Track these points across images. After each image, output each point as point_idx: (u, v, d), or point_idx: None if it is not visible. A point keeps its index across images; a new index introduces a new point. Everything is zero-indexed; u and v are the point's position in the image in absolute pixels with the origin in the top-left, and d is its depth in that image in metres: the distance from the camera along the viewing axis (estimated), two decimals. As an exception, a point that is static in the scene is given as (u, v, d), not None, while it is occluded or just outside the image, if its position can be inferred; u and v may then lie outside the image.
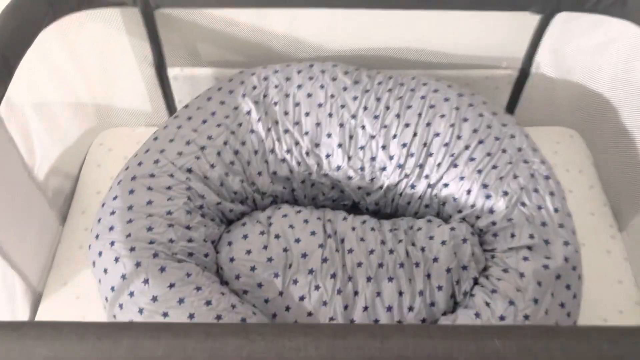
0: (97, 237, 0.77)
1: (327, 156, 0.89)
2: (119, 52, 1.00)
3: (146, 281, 0.72)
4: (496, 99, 1.08)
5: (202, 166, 0.83)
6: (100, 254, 0.76)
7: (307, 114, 0.90)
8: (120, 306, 0.72)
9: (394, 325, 0.49)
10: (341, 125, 0.89)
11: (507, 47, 1.01)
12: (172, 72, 1.04)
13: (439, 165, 0.86)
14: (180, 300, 0.71)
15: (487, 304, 0.74)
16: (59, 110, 1.01)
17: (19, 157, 0.84)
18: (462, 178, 0.84)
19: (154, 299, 0.71)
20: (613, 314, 0.85)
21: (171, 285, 0.72)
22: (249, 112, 0.89)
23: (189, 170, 0.82)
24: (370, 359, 0.48)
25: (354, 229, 0.84)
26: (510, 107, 1.09)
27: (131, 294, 0.72)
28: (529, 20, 0.93)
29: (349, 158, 0.88)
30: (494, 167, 0.84)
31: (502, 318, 0.72)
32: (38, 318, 0.87)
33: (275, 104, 0.90)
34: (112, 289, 0.74)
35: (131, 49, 1.01)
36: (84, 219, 0.99)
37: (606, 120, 1.00)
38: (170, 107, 1.11)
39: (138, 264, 0.73)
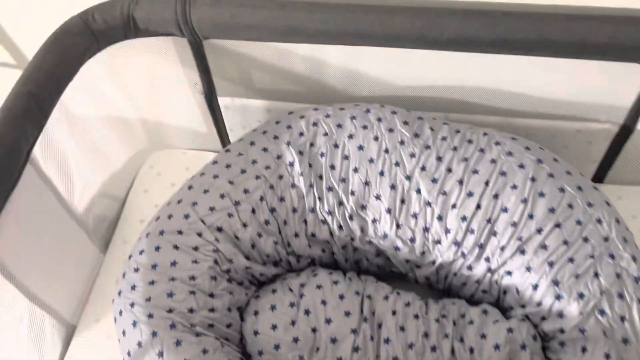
0: (119, 293, 0.74)
1: (374, 221, 0.79)
2: (169, 77, 0.95)
3: (160, 354, 0.67)
4: (589, 155, 0.91)
5: (233, 225, 0.76)
6: (120, 313, 0.72)
7: (355, 170, 0.80)
8: None
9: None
10: (393, 186, 0.78)
11: (607, 98, 0.84)
12: (222, 101, 0.98)
13: (502, 248, 0.73)
14: (193, 380, 0.66)
15: None
16: (104, 135, 0.98)
17: (55, 195, 0.82)
18: (529, 269, 0.71)
19: (167, 374, 0.66)
20: None
21: (185, 362, 0.67)
22: (291, 164, 0.81)
23: (219, 230, 0.75)
24: None
25: (394, 312, 0.74)
26: (606, 165, 0.92)
27: (145, 364, 0.68)
28: (638, 71, 0.76)
29: (398, 226, 0.78)
30: (571, 260, 0.70)
31: None
32: (68, 356, 0.86)
33: (322, 155, 0.81)
34: (129, 354, 0.70)
35: (182, 74, 0.95)
36: (125, 249, 0.97)
37: None
38: (222, 133, 1.06)
39: (154, 334, 0.68)
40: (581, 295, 0.68)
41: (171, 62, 0.92)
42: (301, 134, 0.83)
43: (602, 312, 0.67)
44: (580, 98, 0.85)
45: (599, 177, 0.96)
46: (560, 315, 0.69)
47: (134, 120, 1.04)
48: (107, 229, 1.00)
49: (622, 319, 0.66)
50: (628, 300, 0.67)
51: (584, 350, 0.66)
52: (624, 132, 0.87)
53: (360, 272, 0.84)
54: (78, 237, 0.89)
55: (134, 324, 0.70)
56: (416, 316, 0.74)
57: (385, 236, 0.78)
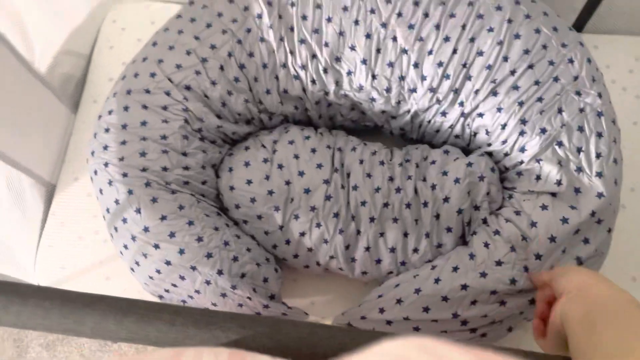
0: (92, 153, 0.74)
1: (349, 73, 0.77)
2: None
3: (138, 210, 0.69)
4: (570, 2, 0.88)
5: (202, 83, 0.74)
6: (95, 172, 0.73)
7: (329, 20, 0.76)
8: (115, 229, 0.72)
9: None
10: (368, 35, 0.76)
11: None
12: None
13: (476, 92, 0.73)
14: (172, 234, 0.69)
15: (486, 245, 0.68)
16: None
17: (13, 53, 0.78)
18: (499, 109, 0.72)
19: (146, 229, 0.69)
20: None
21: (163, 218, 0.69)
22: (260, 16, 0.76)
23: (187, 88, 0.74)
24: None
25: (361, 161, 0.76)
26: (586, 14, 0.89)
27: (124, 220, 0.70)
28: None
29: (374, 77, 0.76)
30: (539, 99, 0.70)
31: (498, 263, 0.66)
32: (52, 212, 0.89)
33: (293, 4, 0.77)
34: (108, 210, 0.72)
35: None
36: (95, 108, 0.96)
37: None
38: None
39: (130, 192, 0.70)
40: (544, 130, 0.69)
41: None
42: (269, -18, 0.78)
43: (560, 144, 0.69)
44: None
45: (578, 26, 0.94)
46: (522, 150, 0.71)
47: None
48: (75, 88, 0.98)
49: (579, 150, 0.68)
50: (587, 133, 0.69)
51: (538, 177, 0.69)
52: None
53: (334, 128, 0.84)
54: (44, 96, 0.88)
55: (110, 182, 0.71)
56: (381, 163, 0.76)
57: (360, 88, 0.78)
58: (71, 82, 0.97)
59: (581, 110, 0.70)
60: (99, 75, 0.99)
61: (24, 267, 0.87)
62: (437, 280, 0.67)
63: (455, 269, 0.67)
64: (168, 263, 0.68)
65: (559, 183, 0.67)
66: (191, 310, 0.47)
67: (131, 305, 0.47)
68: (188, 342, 0.46)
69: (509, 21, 0.73)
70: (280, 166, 0.75)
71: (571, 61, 0.72)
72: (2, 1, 0.75)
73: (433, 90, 0.75)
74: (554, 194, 0.68)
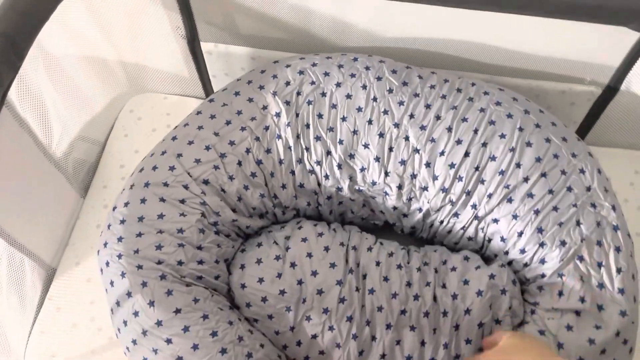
0: (105, 245, 0.73)
1: (362, 170, 0.79)
2: (150, 19, 0.91)
3: (152, 303, 0.68)
4: (570, 116, 0.92)
5: (220, 178, 0.75)
6: (107, 264, 0.72)
7: (343, 119, 0.79)
8: (125, 323, 0.70)
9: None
10: (381, 135, 0.78)
11: (593, 61, 0.84)
12: (205, 46, 0.95)
13: (490, 195, 0.74)
14: (185, 329, 0.67)
15: None
16: (83, 77, 0.94)
17: (33, 138, 0.80)
18: (515, 217, 0.73)
19: (159, 323, 0.67)
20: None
21: (177, 311, 0.68)
22: (278, 114, 0.79)
23: (205, 182, 0.74)
24: None
25: (378, 264, 0.75)
26: (585, 127, 0.93)
27: (136, 314, 0.68)
28: (627, 36, 0.75)
29: (387, 174, 0.78)
30: (555, 208, 0.72)
31: None
32: (49, 296, 0.87)
33: (309, 103, 0.79)
34: (118, 303, 0.70)
35: (164, 16, 0.91)
36: (104, 194, 0.96)
37: None
38: (204, 79, 1.03)
39: (144, 284, 0.69)
40: (563, 243, 0.70)
41: (152, 3, 0.88)
42: (287, 83, 0.81)
43: (581, 259, 0.69)
44: (566, 58, 0.85)
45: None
46: (542, 262, 0.71)
47: (113, 62, 1.00)
48: (87, 174, 0.99)
49: (599, 265, 0.69)
50: (606, 248, 0.69)
51: (560, 294, 0.69)
52: (607, 95, 0.88)
53: (344, 224, 0.85)
54: (57, 181, 0.88)
55: (122, 274, 0.70)
56: (399, 266, 0.75)
57: (373, 184, 0.79)
58: (83, 167, 0.98)
59: (598, 223, 0.70)
60: (111, 162, 1.00)
61: (15, 354, 0.84)
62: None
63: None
64: (180, 359, 0.65)
65: (582, 300, 0.67)
66: None
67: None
68: None
69: (520, 129, 0.75)
70: (292, 264, 0.74)
71: (582, 171, 0.74)
72: (27, 86, 0.77)
73: (445, 190, 0.76)
74: (577, 313, 0.67)
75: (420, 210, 0.79)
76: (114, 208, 0.76)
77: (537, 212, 0.72)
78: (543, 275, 0.71)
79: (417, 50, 0.88)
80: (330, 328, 0.71)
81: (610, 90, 0.87)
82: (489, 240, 0.76)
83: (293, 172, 0.79)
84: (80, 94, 0.95)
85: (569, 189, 0.72)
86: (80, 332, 0.84)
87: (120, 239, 0.72)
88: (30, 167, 0.81)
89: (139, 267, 0.70)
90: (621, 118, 0.92)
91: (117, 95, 1.04)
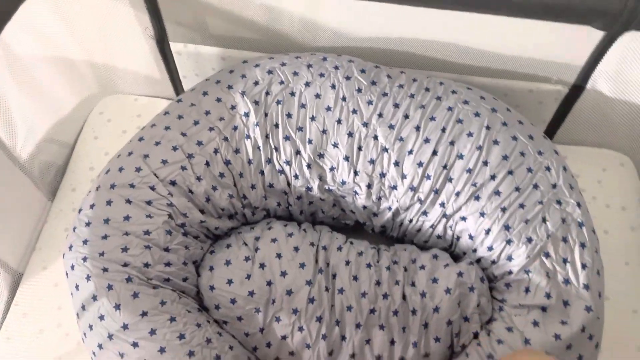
0: (70, 247, 0.72)
1: (332, 169, 0.79)
2: (119, 19, 0.90)
3: (117, 306, 0.67)
4: (538, 115, 0.93)
5: (187, 178, 0.74)
6: (72, 267, 0.71)
7: (312, 119, 0.79)
8: (90, 327, 0.68)
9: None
10: (350, 134, 0.78)
11: (559, 60, 0.85)
12: (175, 47, 0.94)
13: (457, 194, 0.75)
14: (152, 332, 0.66)
15: None
16: (50, 78, 0.93)
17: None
18: (482, 214, 0.73)
19: (125, 326, 0.66)
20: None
21: (143, 314, 0.67)
22: (247, 114, 0.78)
23: (173, 183, 0.74)
24: None
25: (347, 263, 0.75)
26: (554, 125, 0.95)
27: (101, 317, 0.67)
28: (591, 35, 0.76)
29: (356, 173, 0.78)
30: (521, 206, 0.72)
31: None
32: (15, 302, 0.86)
33: (278, 103, 0.79)
34: (83, 307, 0.69)
35: (133, 16, 0.90)
36: (73, 197, 0.95)
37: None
38: (175, 79, 1.02)
39: (110, 287, 0.68)
40: (529, 240, 0.71)
41: (120, 3, 0.87)
42: (256, 82, 0.80)
43: (547, 255, 0.70)
44: (533, 57, 0.86)
45: (548, 136, 0.99)
46: (509, 258, 0.71)
47: (82, 63, 0.99)
48: (55, 176, 0.97)
49: (565, 261, 0.69)
50: (571, 244, 0.70)
51: (527, 290, 0.69)
52: (574, 93, 0.89)
53: (315, 224, 0.84)
54: (22, 184, 0.87)
55: (87, 277, 0.68)
56: (368, 265, 0.75)
57: (343, 183, 0.79)
58: (51, 170, 0.96)
59: (563, 220, 0.71)
60: (81, 164, 0.98)
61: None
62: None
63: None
64: (146, 363, 0.64)
65: (548, 296, 0.67)
66: None
67: None
68: None
69: (487, 127, 0.76)
70: (262, 265, 0.74)
71: (548, 169, 0.74)
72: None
73: (414, 189, 0.76)
74: (544, 309, 0.67)
75: (389, 209, 0.79)
76: (80, 210, 0.74)
77: (503, 210, 0.72)
78: (510, 272, 0.71)
79: (386, 50, 0.88)
80: (300, 329, 0.71)
81: (577, 89, 0.88)
82: (458, 239, 0.77)
83: (262, 172, 0.79)
84: (48, 95, 0.93)
85: (535, 186, 0.73)
86: (48, 338, 0.83)
87: (85, 242, 0.71)
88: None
89: (105, 269, 0.68)
90: (588, 116, 0.93)
91: (86, 97, 1.03)
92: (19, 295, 0.86)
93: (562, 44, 0.82)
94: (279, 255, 0.75)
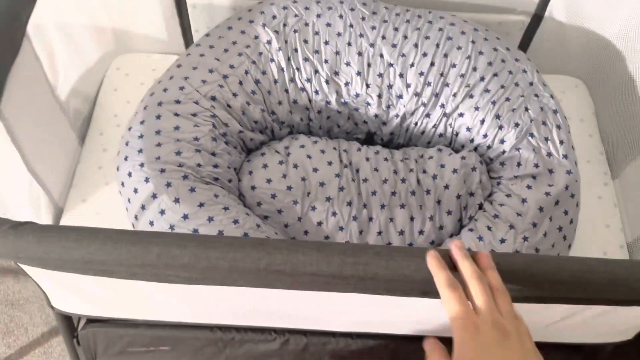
0: (125, 158, 0.81)
1: (346, 84, 0.92)
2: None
3: (177, 200, 0.76)
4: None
5: (225, 94, 0.85)
6: (129, 174, 0.80)
7: (326, 43, 0.91)
8: (151, 223, 0.77)
9: (398, 247, 0.55)
10: (360, 53, 0.91)
11: None
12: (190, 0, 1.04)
13: (454, 95, 0.89)
14: (210, 219, 0.76)
15: (489, 228, 0.80)
16: (79, 33, 1.01)
17: (45, 76, 0.86)
18: (477, 108, 0.88)
19: (185, 216, 0.76)
20: (598, 255, 0.90)
21: (201, 205, 0.76)
22: (269, 42, 0.91)
23: (213, 98, 0.85)
24: (375, 275, 0.53)
25: (367, 159, 0.88)
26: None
27: (162, 212, 0.76)
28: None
29: (367, 85, 0.91)
30: (507, 99, 0.87)
31: (502, 241, 0.78)
32: None
33: (295, 32, 0.92)
34: (143, 207, 0.78)
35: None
36: (101, 140, 1.02)
37: (613, 70, 1.01)
38: (187, 35, 1.12)
39: (168, 184, 0.77)
40: (517, 124, 0.86)
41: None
42: (274, 17, 0.93)
43: (532, 135, 0.85)
44: None
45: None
46: (502, 141, 0.86)
47: (103, 20, 1.07)
48: (82, 124, 1.05)
49: (546, 139, 0.85)
50: (549, 126, 0.86)
51: (519, 164, 0.84)
52: (534, 22, 1.05)
53: (331, 139, 0.97)
54: (62, 123, 0.94)
55: (146, 179, 0.78)
56: (385, 159, 0.88)
57: (357, 95, 0.92)
58: (79, 117, 1.04)
59: (541, 108, 0.87)
60: (105, 112, 1.06)
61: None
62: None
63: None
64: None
65: (536, 166, 0.82)
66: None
67: (192, 236, 0.54)
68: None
69: (473, 42, 0.91)
70: (295, 166, 0.85)
71: (524, 71, 0.90)
72: (40, 30, 0.84)
73: (417, 94, 0.90)
74: (534, 176, 0.82)
75: (397, 115, 0.92)
76: (130, 129, 0.84)
77: (494, 103, 0.87)
78: (503, 152, 0.86)
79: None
80: (333, 213, 0.82)
81: (537, 19, 1.05)
82: (457, 134, 0.91)
83: (287, 90, 0.91)
84: (78, 46, 1.02)
85: (516, 84, 0.88)
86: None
87: (140, 151, 0.80)
88: (42, 104, 0.87)
89: (162, 170, 0.78)
90: (548, 45, 1.09)
91: (105, 53, 1.11)
92: (63, 223, 0.93)
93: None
94: (309, 156, 0.86)
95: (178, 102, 0.83)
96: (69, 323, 0.92)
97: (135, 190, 0.79)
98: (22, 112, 0.78)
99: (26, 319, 1.22)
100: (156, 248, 0.53)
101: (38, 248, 0.54)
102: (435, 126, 0.91)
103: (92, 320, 0.93)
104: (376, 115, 0.93)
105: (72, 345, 0.97)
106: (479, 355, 0.44)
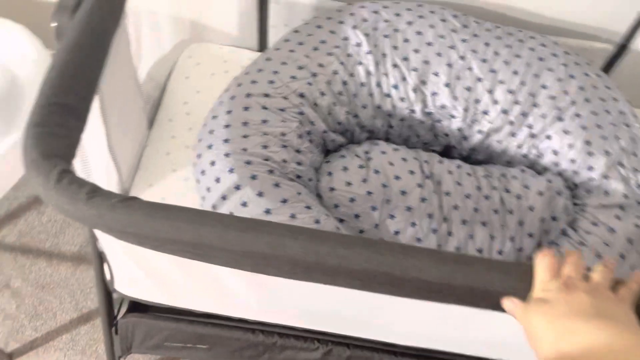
0: (210, 147, 0.80)
1: (433, 94, 0.90)
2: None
3: (260, 194, 0.75)
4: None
5: (313, 92, 0.84)
6: (213, 163, 0.79)
7: (416, 51, 0.90)
8: (231, 214, 0.76)
9: (514, 262, 0.54)
10: (449, 65, 0.90)
11: (610, 19, 1.00)
12: (273, -6, 1.04)
13: (543, 116, 0.87)
14: (292, 216, 0.74)
15: None
16: (159, 20, 1.01)
17: (131, 58, 0.85)
18: (566, 132, 0.86)
19: (267, 211, 0.74)
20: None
21: (284, 201, 0.75)
22: (359, 44, 0.89)
23: (302, 95, 0.83)
24: (485, 288, 0.52)
25: (450, 172, 0.86)
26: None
27: (244, 204, 0.75)
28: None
29: (455, 98, 0.90)
30: (598, 126, 0.86)
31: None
32: None
33: (386, 37, 0.91)
34: (223, 197, 0.77)
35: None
36: (170, 126, 1.01)
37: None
38: (262, 30, 1.11)
39: (254, 177, 0.76)
40: (607, 152, 0.84)
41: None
42: (364, 19, 0.92)
43: (622, 165, 0.83)
44: (587, 18, 1.02)
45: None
46: (590, 168, 0.84)
47: (184, 8, 1.07)
48: (151, 109, 1.04)
49: (636, 170, 0.83)
50: (639, 157, 0.84)
51: (606, 193, 0.82)
52: (619, 52, 1.04)
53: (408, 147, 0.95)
54: (138, 104, 0.93)
55: (231, 170, 0.77)
56: (468, 174, 0.86)
57: (443, 107, 0.90)
58: (149, 102, 1.03)
59: (632, 139, 0.85)
60: (175, 100, 1.06)
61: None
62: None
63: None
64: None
65: (626, 197, 0.80)
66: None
67: (302, 229, 0.53)
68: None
69: (564, 65, 0.90)
70: (376, 171, 0.84)
71: (616, 100, 0.89)
72: (131, 12, 0.83)
73: (505, 112, 0.89)
74: (621, 207, 0.80)
75: (480, 131, 0.91)
76: (214, 117, 0.83)
77: (584, 128, 0.85)
78: (591, 179, 0.84)
79: (460, 4, 1.01)
80: (413, 224, 0.80)
81: (622, 48, 1.03)
82: (539, 156, 0.89)
83: (372, 95, 0.89)
84: (156, 32, 1.01)
85: (607, 111, 0.87)
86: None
87: (226, 140, 0.79)
88: (129, 84, 0.86)
89: (248, 162, 0.77)
90: (628, 75, 1.07)
91: (179, 42, 1.11)
92: None
93: (612, 6, 0.97)
94: (390, 163, 0.85)
95: (267, 95, 0.82)
96: (109, 311, 0.91)
97: (218, 180, 0.78)
98: (112, 88, 0.77)
99: (56, 303, 1.20)
100: (267, 237, 0.52)
101: (147, 224, 0.53)
102: (519, 146, 0.90)
103: (134, 310, 0.92)
104: (459, 129, 0.91)
105: (109, 334, 0.95)
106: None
